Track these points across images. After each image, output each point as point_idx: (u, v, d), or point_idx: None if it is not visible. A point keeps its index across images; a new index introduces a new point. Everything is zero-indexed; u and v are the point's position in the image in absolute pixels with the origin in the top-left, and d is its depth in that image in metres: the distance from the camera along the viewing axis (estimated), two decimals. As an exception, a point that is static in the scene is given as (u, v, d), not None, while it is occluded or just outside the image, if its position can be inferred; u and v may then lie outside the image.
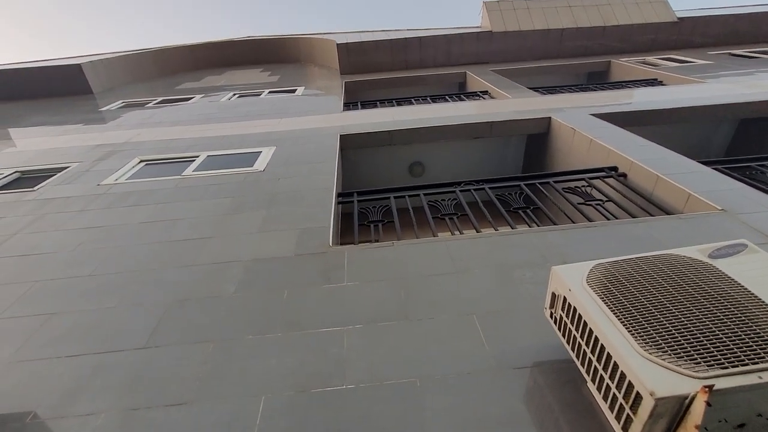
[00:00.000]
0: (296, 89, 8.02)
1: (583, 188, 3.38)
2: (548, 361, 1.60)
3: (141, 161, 4.36)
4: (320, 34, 10.82)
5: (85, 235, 2.87)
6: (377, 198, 3.46)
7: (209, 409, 1.50)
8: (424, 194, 3.40)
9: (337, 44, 9.13)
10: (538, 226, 2.79)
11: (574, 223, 2.66)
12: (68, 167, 4.30)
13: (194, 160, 4.24)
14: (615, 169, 3.57)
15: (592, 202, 3.15)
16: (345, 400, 1.51)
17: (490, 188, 3.46)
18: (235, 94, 7.94)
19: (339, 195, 3.50)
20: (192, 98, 7.92)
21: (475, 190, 3.47)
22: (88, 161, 4.45)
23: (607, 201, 3.16)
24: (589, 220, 2.77)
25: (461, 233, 2.74)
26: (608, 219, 2.82)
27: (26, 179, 4.14)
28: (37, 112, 7.42)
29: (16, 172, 4.26)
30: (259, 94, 7.81)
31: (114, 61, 9.59)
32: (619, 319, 1.21)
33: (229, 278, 2.25)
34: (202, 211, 3.08)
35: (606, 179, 3.48)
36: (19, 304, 2.19)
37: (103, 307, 2.11)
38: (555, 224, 2.66)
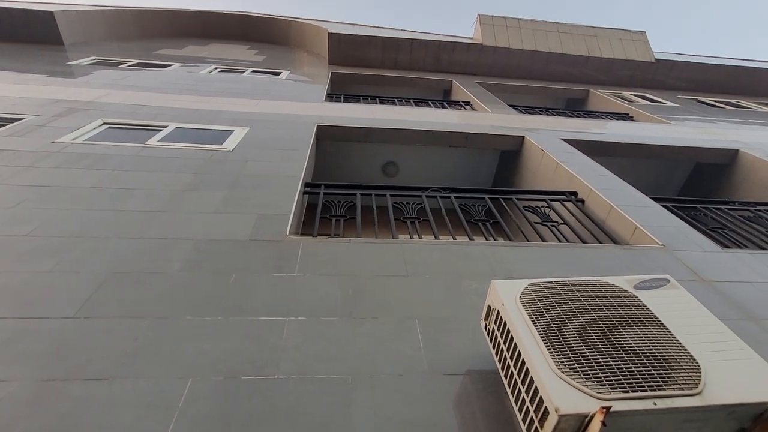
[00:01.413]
0: (281, 72, 7.86)
1: (542, 208, 3.51)
2: (479, 370, 1.66)
3: (104, 123, 4.16)
4: (314, 20, 10.65)
5: (29, 192, 2.71)
6: (344, 193, 3.46)
7: (131, 387, 1.46)
8: (391, 195, 3.43)
9: (329, 33, 9.02)
10: (494, 239, 2.88)
11: (527, 240, 2.76)
12: (22, 119, 4.03)
13: (161, 130, 4.08)
14: (575, 194, 3.73)
15: (549, 223, 3.28)
16: (274, 390, 1.51)
17: (455, 197, 3.53)
18: (216, 68, 7.69)
19: (306, 185, 3.48)
20: (170, 65, 7.61)
21: (441, 197, 3.53)
22: (45, 116, 4.20)
23: (562, 224, 3.30)
24: (543, 239, 2.88)
25: (420, 237, 2.78)
26: (560, 241, 2.95)
27: (-28, 125, 3.85)
28: (2, 56, 6.91)
29: (-38, 116, 3.96)
30: (242, 72, 7.61)
31: (91, 14, 9.06)
32: (542, 337, 1.27)
33: (176, 256, 2.19)
34: (161, 183, 2.98)
35: (565, 203, 3.63)
36: (-59, 257, 2.04)
37: (37, 270, 2.00)
38: (510, 240, 2.75)
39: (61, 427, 1.31)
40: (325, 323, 1.84)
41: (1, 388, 1.42)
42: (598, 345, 1.23)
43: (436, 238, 2.78)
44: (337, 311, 1.92)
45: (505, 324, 1.41)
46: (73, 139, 3.66)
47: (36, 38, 8.08)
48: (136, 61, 7.63)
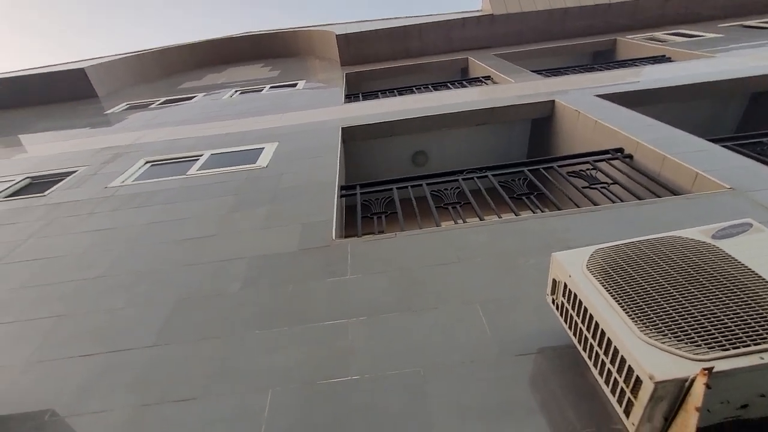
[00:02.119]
0: (297, 83, 7.99)
1: (587, 171, 3.33)
2: (551, 346, 1.60)
3: (146, 162, 4.41)
4: (319, 26, 10.73)
5: (94, 237, 2.93)
6: (380, 190, 3.45)
7: (218, 404, 1.54)
8: (427, 184, 3.39)
9: (336, 35, 9.05)
10: (542, 212, 2.76)
11: (578, 207, 2.63)
12: (76, 171, 4.37)
13: (198, 159, 4.27)
14: (621, 150, 3.51)
15: (597, 186, 3.10)
16: (350, 391, 1.54)
17: (493, 175, 3.43)
18: (236, 91, 7.94)
19: (342, 188, 3.51)
20: (194, 97, 7.94)
21: (478, 177, 3.44)
22: (95, 164, 4.52)
23: (612, 183, 3.11)
24: (594, 203, 2.74)
25: (464, 222, 2.73)
26: (613, 202, 2.78)
27: (36, 185, 4.22)
28: (44, 118, 7.53)
29: (26, 177, 4.34)
30: (261, 90, 7.81)
31: (116, 63, 9.65)
32: (619, 304, 1.20)
33: (234, 275, 2.28)
34: (207, 209, 3.12)
35: (611, 161, 3.42)
36: (33, 306, 2.25)
37: (113, 308, 2.16)
38: (559, 209, 2.63)
39: (163, 447, 1.40)
40: (387, 320, 1.85)
41: (104, 417, 1.54)
42: (684, 304, 1.14)
43: (481, 220, 2.71)
44: (395, 307, 1.92)
45: (575, 296, 1.34)
46: (123, 181, 3.91)
47: (74, 95, 8.72)
48: (164, 99, 8.03)
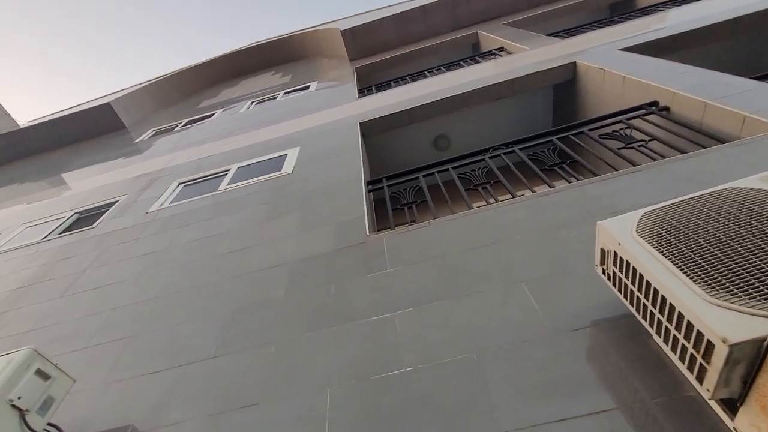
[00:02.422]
0: (309, 85, 8.04)
1: (621, 131, 3.17)
2: (607, 318, 1.55)
3: (179, 184, 4.59)
4: (323, 24, 10.71)
5: (144, 261, 3.10)
6: (407, 179, 3.44)
7: (281, 407, 1.60)
8: (453, 167, 3.33)
9: (341, 31, 9.01)
10: (578, 180, 2.66)
11: (616, 170, 2.50)
12: (118, 201, 4.62)
13: (226, 174, 4.40)
14: (655, 104, 3.30)
15: (634, 145, 2.95)
16: (406, 383, 1.55)
17: (520, 149, 3.33)
18: (252, 102, 8.10)
19: (368, 183, 3.51)
20: (213, 114, 8.17)
21: (505, 154, 3.35)
22: (133, 192, 4.76)
23: (650, 140, 2.95)
24: (633, 164, 2.60)
25: (497, 201, 2.67)
26: (654, 160, 2.63)
27: (85, 218, 4.50)
28: (80, 155, 7.99)
29: (75, 213, 4.63)
30: (275, 98, 7.92)
31: (138, 93, 10.06)
32: (678, 267, 1.14)
33: (278, 282, 2.35)
34: (242, 221, 3.22)
35: (646, 117, 3.23)
36: (102, 331, 2.42)
37: (172, 325, 2.28)
38: (596, 175, 2.52)
39: (237, 451, 1.48)
40: (432, 309, 1.85)
41: (180, 428, 1.64)
42: (751, 259, 1.07)
43: (514, 197, 2.64)
44: (439, 295, 1.91)
45: (627, 264, 1.29)
46: (161, 205, 4.09)
47: (104, 129, 9.18)
48: (186, 121, 8.31)
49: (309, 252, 2.54)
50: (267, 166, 4.29)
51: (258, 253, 2.71)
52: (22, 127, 9.08)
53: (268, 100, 7.99)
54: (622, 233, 1.32)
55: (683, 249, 1.18)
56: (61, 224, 4.39)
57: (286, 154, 4.39)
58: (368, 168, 4.39)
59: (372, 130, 4.76)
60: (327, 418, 1.51)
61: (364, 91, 6.72)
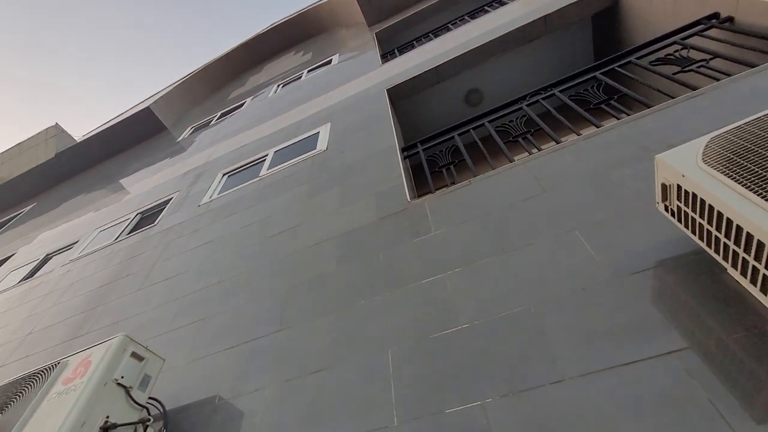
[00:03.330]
0: (331, 59, 7.92)
1: (676, 54, 2.84)
2: (672, 257, 1.46)
3: (223, 175, 4.80)
4: (336, -8, 10.35)
5: (203, 250, 3.32)
6: (442, 141, 3.35)
7: (347, 370, 1.69)
8: (489, 121, 3.19)
9: (356, -4, 8.67)
10: (629, 115, 2.45)
11: (673, 98, 2.28)
12: (171, 198, 4.93)
13: (264, 160, 4.53)
14: (716, 15, 2.92)
15: (692, 66, 2.64)
16: (464, 340, 1.58)
17: (560, 91, 3.10)
18: (278, 86, 8.15)
19: (403, 150, 3.47)
20: (243, 103, 8.33)
21: (543, 99, 3.15)
22: (184, 188, 5.05)
23: (711, 59, 2.63)
24: (693, 88, 2.34)
25: (540, 150, 2.54)
26: (717, 80, 2.35)
27: (146, 217, 4.86)
28: (131, 161, 8.54)
29: (137, 214, 5.02)
30: (300, 77, 7.90)
31: (171, 93, 10.45)
32: (754, 191, 1.03)
33: (328, 256, 2.43)
34: (286, 203, 3.32)
35: (705, 33, 2.87)
36: (177, 316, 2.66)
37: (238, 305, 2.45)
38: (649, 107, 2.31)
39: (311, 412, 1.60)
40: (482, 266, 1.83)
41: (260, 394, 1.79)
42: None
43: (558, 143, 2.50)
44: (488, 252, 1.89)
45: (693, 195, 1.19)
46: (210, 197, 4.32)
47: (148, 133, 9.70)
48: (219, 114, 8.56)
49: (353, 224, 2.59)
50: (301, 146, 4.36)
51: (305, 232, 2.80)
52: (78, 141, 9.81)
53: (293, 81, 7.99)
54: (685, 164, 1.22)
55: (759, 171, 1.06)
56: (127, 225, 4.79)
57: (318, 132, 4.42)
58: (401, 134, 4.32)
59: (400, 95, 4.64)
60: (391, 377, 1.58)
61: (386, 56, 6.52)
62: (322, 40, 10.34)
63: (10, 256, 6.04)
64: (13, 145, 10.15)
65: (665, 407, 1.14)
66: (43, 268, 4.97)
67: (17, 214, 8.59)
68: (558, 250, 1.71)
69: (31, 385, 1.73)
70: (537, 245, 1.79)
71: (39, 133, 9.78)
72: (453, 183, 2.73)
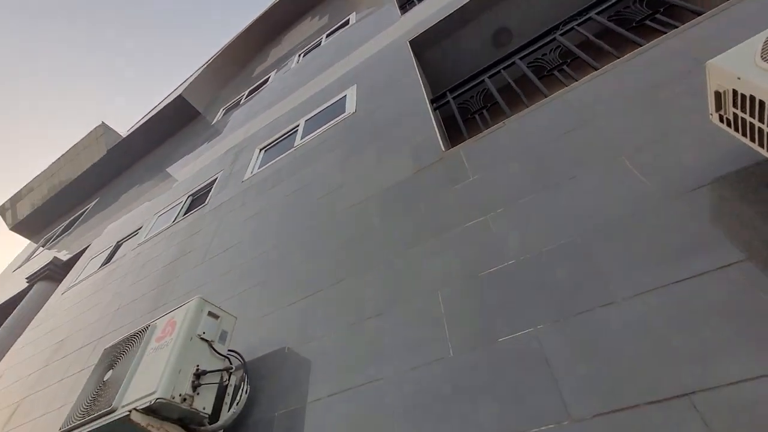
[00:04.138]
0: (348, 19, 7.69)
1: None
2: (732, 171, 1.39)
3: (260, 150, 4.97)
4: (345, -54, 9.85)
5: (253, 222, 3.53)
6: (472, 86, 3.25)
7: (402, 313, 1.81)
8: (520, 58, 3.04)
9: (367, -54, 8.21)
10: (677, 27, 2.24)
11: (728, 0, 2.04)
12: (216, 177, 5.20)
13: (297, 130, 4.62)
14: None
15: (753, -39, 2.33)
16: (512, 275, 1.62)
17: (597, 14, 2.87)
18: (299, 55, 8.09)
19: (432, 101, 3.41)
20: (268, 78, 8.39)
21: (579, 25, 2.93)
22: (226, 167, 5.29)
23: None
24: (753, -15, 2.08)
25: (576, 80, 2.41)
26: (784, -29, 2.07)
27: (197, 198, 5.19)
28: (175, 147, 8.98)
29: (188, 196, 5.36)
30: (320, 43, 7.78)
31: (200, 77, 10.69)
32: (822, 83, 0.96)
33: (372, 212, 2.51)
34: (324, 168, 3.41)
35: None
36: (239, 282, 2.90)
37: (292, 266, 2.63)
38: (699, 14, 2.09)
39: (371, 350, 1.74)
40: (525, 205, 1.83)
41: (324, 340, 1.97)
42: None
43: (596, 69, 2.35)
44: (529, 190, 1.88)
45: (752, 99, 1.11)
46: (252, 172, 4.51)
47: (185, 119, 10.09)
48: (247, 92, 8.70)
49: (391, 180, 2.64)
50: (331, 112, 4.38)
51: (346, 193, 2.89)
52: (124, 136, 10.42)
53: (313, 48, 7.89)
54: (741, 65, 1.13)
55: (829, 60, 0.97)
56: (182, 208, 5.14)
57: (345, 95, 4.41)
58: (429, 86, 4.21)
59: (424, 46, 4.48)
60: (443, 315, 1.67)
61: (405, 6, 6.22)
62: (337, 1, 10.01)
63: (87, 247, 6.73)
64: (69, 147, 10.97)
65: (725, 319, 1.14)
66: (116, 253, 5.51)
67: (84, 211, 9.42)
68: (604, 179, 1.68)
69: (131, 345, 2.00)
70: (581, 177, 1.75)
71: (89, 133, 10.46)
72: (488, 127, 2.67)
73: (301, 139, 4.31)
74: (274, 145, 4.85)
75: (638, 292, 1.30)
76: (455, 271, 1.80)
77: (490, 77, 3.14)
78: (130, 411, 1.61)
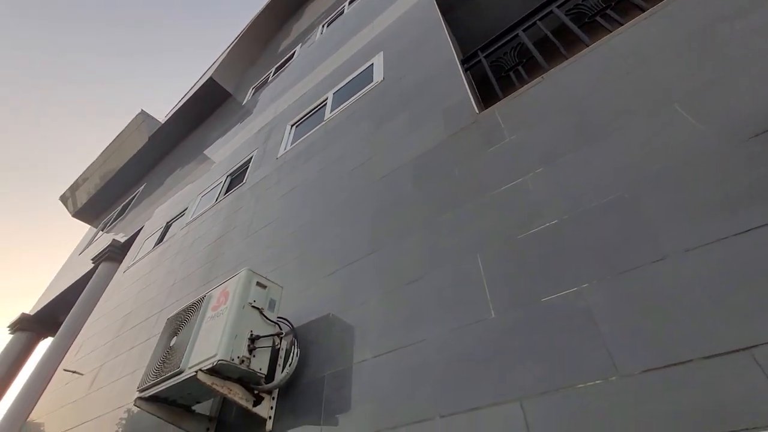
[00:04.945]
0: (370, -18, 7.40)
1: None
2: (803, 110, 1.26)
3: (291, 126, 5.02)
4: None
5: (290, 196, 3.63)
6: (505, 42, 3.07)
7: (441, 276, 1.83)
8: (558, 6, 2.82)
9: None
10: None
11: None
12: (252, 156, 5.34)
13: (326, 104, 4.61)
14: None
15: None
16: (553, 234, 1.59)
17: (645, -53, 2.58)
18: (322, 26, 7.94)
19: (463, 62, 3.27)
20: (293, 53, 8.34)
21: (624, -38, 2.66)
22: (260, 146, 5.42)
23: None
24: None
25: (621, 24, 2.22)
26: None
27: (235, 177, 5.38)
28: (211, 129, 9.27)
29: (227, 176, 5.57)
30: (342, 12, 7.58)
31: (227, 58, 10.81)
32: None
33: (405, 179, 2.51)
34: (355, 139, 3.42)
35: None
36: (282, 254, 3.02)
37: (331, 237, 2.71)
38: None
39: (412, 314, 1.79)
40: (565, 162, 1.76)
41: (366, 305, 2.04)
42: None
43: (643, 11, 2.15)
44: (570, 147, 1.80)
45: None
46: (285, 149, 4.59)
47: (217, 101, 10.32)
48: (274, 69, 8.72)
49: (424, 146, 2.60)
50: (358, 82, 4.32)
51: (379, 162, 2.89)
52: (162, 122, 10.85)
53: (336, 17, 7.72)
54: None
55: None
56: (222, 187, 5.36)
57: (372, 64, 4.32)
58: (458, 47, 4.04)
59: (451, 3, 4.26)
60: (483, 277, 1.68)
61: (429, -38, 5.88)
62: (357, -35, 9.62)
63: (140, 229, 7.22)
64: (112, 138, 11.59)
65: (789, 269, 1.07)
66: (167, 233, 5.89)
67: (134, 195, 10.05)
68: (653, 128, 1.57)
69: (191, 314, 2.17)
70: (628, 128, 1.65)
71: (131, 122, 10.98)
72: (523, 85, 2.55)
73: (331, 112, 4.31)
74: (305, 120, 4.88)
75: (691, 246, 1.24)
76: (494, 234, 1.78)
77: (524, 30, 2.95)
78: (196, 372, 1.78)
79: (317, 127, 4.28)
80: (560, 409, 1.22)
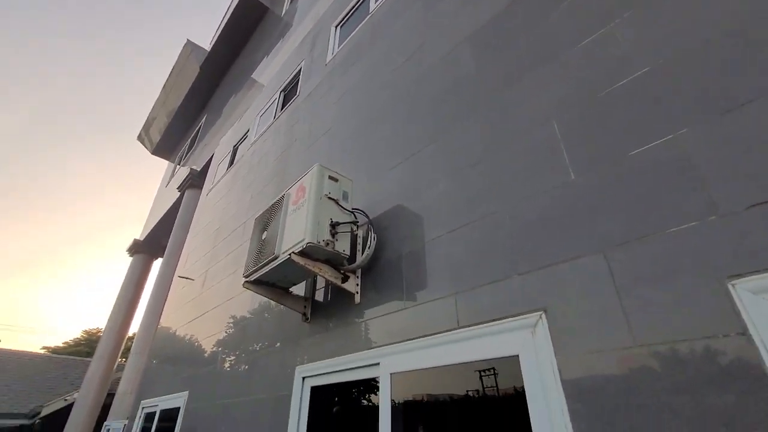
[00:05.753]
0: None
1: None
2: None
3: (335, 27, 4.76)
4: None
5: (346, 99, 3.59)
6: None
7: (508, 153, 1.77)
8: None
9: None
10: None
11: None
12: (300, 67, 5.25)
13: None
14: None
15: None
16: (642, 86, 1.43)
17: None
18: None
19: None
20: None
21: None
22: (307, 55, 5.27)
23: None
24: None
25: None
26: None
27: (288, 92, 5.39)
28: (256, 49, 9.12)
29: (281, 92, 5.60)
30: None
31: None
32: None
33: (465, 58, 2.32)
34: (405, 27, 3.16)
35: None
36: (346, 154, 3.09)
37: (391, 133, 2.68)
38: None
39: (482, 188, 1.79)
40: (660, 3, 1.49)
41: (434, 186, 2.08)
42: None
43: None
44: None
45: None
46: (333, 53, 4.42)
47: (256, 19, 9.95)
48: None
49: (482, 19, 2.35)
50: None
51: (433, 45, 2.69)
52: (209, 50, 10.86)
53: None
54: None
55: None
56: (277, 104, 5.44)
57: None
58: None
59: None
60: (560, 142, 1.60)
61: None
62: None
63: (212, 157, 7.75)
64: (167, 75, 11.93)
65: None
66: (236, 156, 6.27)
67: (198, 129, 10.61)
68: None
69: (275, 212, 2.39)
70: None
71: (179, 55, 11.12)
72: None
73: (375, 2, 3.97)
74: (349, 17, 4.58)
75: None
76: (571, 97, 1.64)
77: None
78: (290, 254, 2.01)
79: (363, 23, 4.01)
80: (646, 254, 1.21)
